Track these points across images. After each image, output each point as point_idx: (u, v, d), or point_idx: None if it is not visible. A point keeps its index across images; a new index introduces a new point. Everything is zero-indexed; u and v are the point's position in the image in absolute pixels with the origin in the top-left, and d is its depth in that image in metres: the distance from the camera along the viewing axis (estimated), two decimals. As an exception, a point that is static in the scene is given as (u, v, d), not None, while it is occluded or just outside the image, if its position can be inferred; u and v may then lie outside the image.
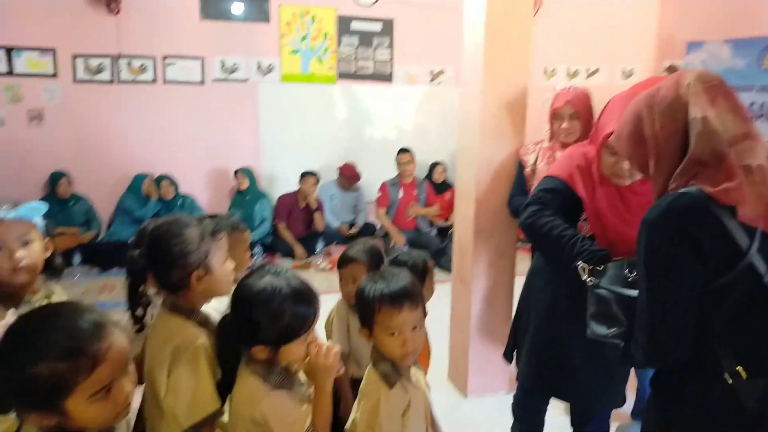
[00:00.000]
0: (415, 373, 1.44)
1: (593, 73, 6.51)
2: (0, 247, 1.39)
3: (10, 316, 1.04)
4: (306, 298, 1.27)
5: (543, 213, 1.77)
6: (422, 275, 1.77)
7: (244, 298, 1.25)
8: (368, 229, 5.91)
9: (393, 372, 1.35)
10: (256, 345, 1.24)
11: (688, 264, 1.14)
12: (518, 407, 2.19)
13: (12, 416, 1.04)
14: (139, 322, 1.42)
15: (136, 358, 1.36)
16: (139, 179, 5.33)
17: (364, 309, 1.37)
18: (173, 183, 5.30)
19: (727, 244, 1.12)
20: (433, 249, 5.32)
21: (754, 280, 1.12)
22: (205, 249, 1.35)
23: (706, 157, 1.17)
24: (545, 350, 1.90)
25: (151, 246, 1.35)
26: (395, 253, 1.87)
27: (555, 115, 2.40)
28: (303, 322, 1.25)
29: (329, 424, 1.33)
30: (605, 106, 1.77)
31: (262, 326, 1.22)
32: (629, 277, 1.43)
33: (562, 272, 1.71)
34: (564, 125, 2.35)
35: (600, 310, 1.45)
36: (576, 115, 2.32)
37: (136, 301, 1.41)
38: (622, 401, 1.91)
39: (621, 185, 1.75)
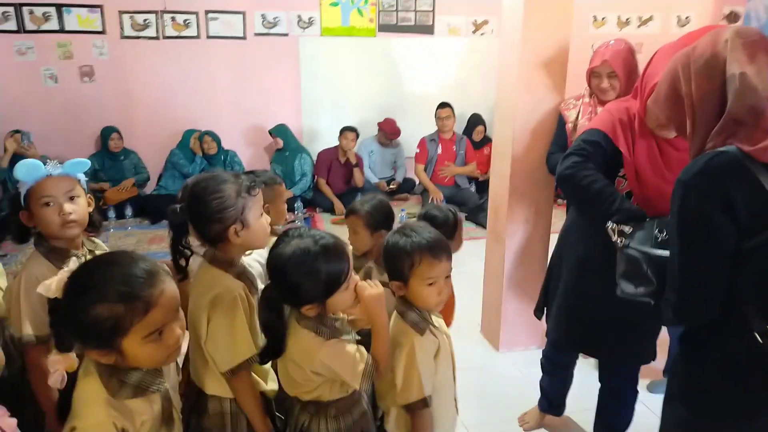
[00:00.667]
0: (436, 319, 1.50)
1: (646, 21, 6.18)
2: (49, 203, 1.46)
3: (73, 263, 1.13)
4: (336, 250, 1.31)
5: (585, 165, 1.74)
6: (453, 228, 1.83)
7: (277, 266, 1.30)
8: (407, 185, 5.94)
9: (421, 320, 1.43)
10: (304, 305, 1.30)
11: (722, 225, 1.13)
12: (547, 361, 2.24)
13: (72, 354, 1.12)
14: (182, 272, 1.50)
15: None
16: (188, 135, 5.48)
17: (400, 262, 1.40)
18: (215, 139, 5.42)
19: (764, 204, 1.11)
20: (471, 205, 5.32)
21: None
22: (241, 204, 1.40)
23: (744, 115, 1.14)
24: (575, 305, 1.92)
25: (190, 201, 1.41)
26: (425, 208, 1.91)
27: (593, 74, 2.34)
28: (339, 274, 1.30)
29: (389, 355, 1.38)
30: (652, 57, 1.71)
31: (303, 288, 1.27)
32: (659, 238, 1.42)
33: (595, 228, 1.70)
34: (603, 84, 2.28)
35: (630, 269, 1.45)
36: (614, 73, 2.25)
37: (178, 252, 1.48)
38: (651, 357, 1.92)
39: (666, 137, 1.72)
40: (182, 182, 5.29)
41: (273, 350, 1.35)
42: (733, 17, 5.87)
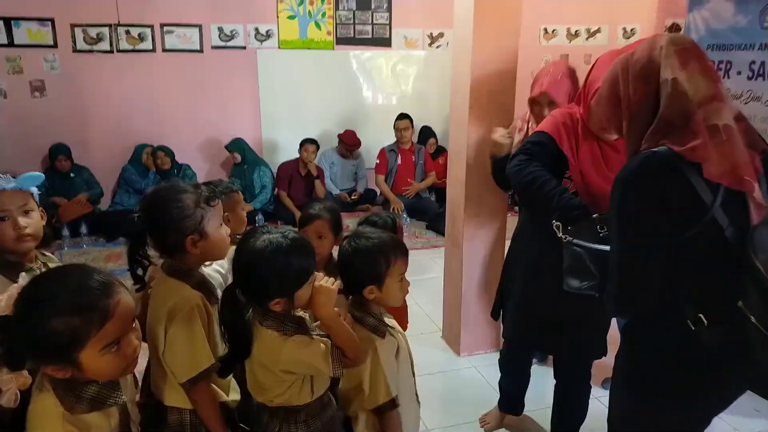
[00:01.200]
0: (388, 319, 1.55)
1: (594, 33, 6.43)
2: (3, 217, 1.44)
3: (23, 279, 1.12)
4: (304, 243, 1.36)
5: (529, 162, 1.82)
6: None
7: (248, 261, 1.30)
8: (369, 196, 5.98)
9: (379, 323, 1.47)
10: (273, 300, 1.31)
11: (656, 219, 1.21)
12: (505, 361, 2.30)
13: (25, 372, 1.10)
14: (139, 282, 1.49)
15: (138, 316, 1.45)
16: (139, 150, 5.39)
17: (377, 264, 1.44)
18: (169, 154, 5.32)
19: (693, 200, 1.19)
20: (432, 214, 5.40)
21: (717, 232, 1.19)
22: (200, 214, 1.41)
23: (675, 118, 1.22)
24: (529, 304, 1.99)
25: (148, 210, 1.41)
26: (364, 216, 1.96)
27: (534, 102, 2.34)
28: (309, 266, 1.33)
29: (354, 341, 1.37)
30: (594, 64, 1.81)
31: (274, 281, 1.29)
32: (601, 233, 1.49)
33: (546, 229, 1.77)
34: (544, 113, 2.26)
35: (574, 264, 1.51)
36: (554, 103, 2.24)
37: (136, 261, 1.47)
38: (602, 352, 2.01)
39: (608, 140, 1.81)
40: (137, 198, 5.20)
41: (238, 354, 1.35)
42: (675, 28, 6.16)
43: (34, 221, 1.50)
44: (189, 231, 1.40)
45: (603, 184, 1.77)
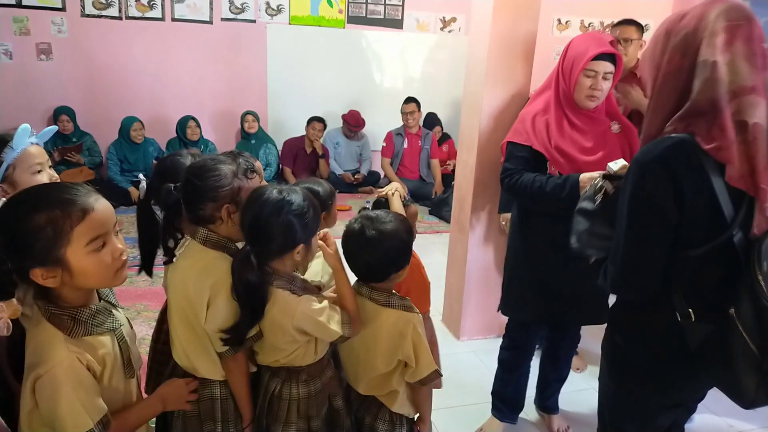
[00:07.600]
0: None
1: (608, 26, 6.38)
2: (40, 170, 1.46)
3: (1, 201, 1.13)
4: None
5: (511, 177, 1.95)
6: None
7: (269, 210, 1.31)
8: (372, 178, 5.96)
9: (404, 300, 1.48)
10: (296, 247, 1.33)
11: (669, 211, 1.15)
12: (511, 344, 2.21)
13: (14, 301, 1.09)
14: (170, 254, 1.46)
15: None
16: (127, 123, 5.22)
17: (409, 248, 1.47)
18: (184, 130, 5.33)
19: (711, 211, 1.13)
20: (435, 199, 5.39)
21: (726, 238, 1.14)
22: (237, 185, 1.38)
23: (705, 107, 1.14)
24: (544, 280, 2.01)
25: (187, 179, 1.39)
26: (376, 197, 1.94)
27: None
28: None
29: (353, 297, 1.44)
30: (569, 44, 1.90)
31: (295, 226, 1.31)
32: None
33: (544, 212, 1.92)
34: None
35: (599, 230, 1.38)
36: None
37: (169, 233, 1.45)
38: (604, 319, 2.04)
39: (588, 108, 1.88)
40: (128, 175, 5.14)
41: (252, 316, 1.34)
42: (688, 27, 6.13)
43: (51, 178, 1.51)
44: (225, 200, 1.37)
45: (579, 154, 1.87)
